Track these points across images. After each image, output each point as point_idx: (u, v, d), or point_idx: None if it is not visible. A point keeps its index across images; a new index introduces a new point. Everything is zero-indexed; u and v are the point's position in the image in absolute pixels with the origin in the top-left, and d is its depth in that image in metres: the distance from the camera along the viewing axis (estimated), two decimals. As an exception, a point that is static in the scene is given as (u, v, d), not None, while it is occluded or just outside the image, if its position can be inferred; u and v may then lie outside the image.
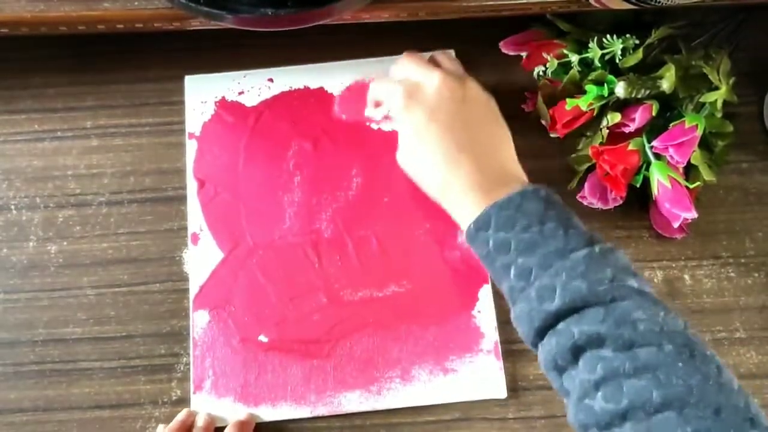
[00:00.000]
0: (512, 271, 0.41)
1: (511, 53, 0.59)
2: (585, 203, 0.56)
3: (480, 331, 0.53)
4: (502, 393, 0.52)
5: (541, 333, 0.40)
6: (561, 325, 0.38)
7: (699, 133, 0.52)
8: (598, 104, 0.53)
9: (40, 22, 0.52)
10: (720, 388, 0.34)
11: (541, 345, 0.40)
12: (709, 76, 0.53)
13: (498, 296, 0.54)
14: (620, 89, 0.51)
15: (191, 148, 0.57)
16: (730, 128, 0.54)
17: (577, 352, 0.37)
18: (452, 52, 0.59)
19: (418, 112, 0.47)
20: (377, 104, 0.55)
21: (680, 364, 0.35)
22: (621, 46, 0.53)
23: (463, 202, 0.45)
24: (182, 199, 0.56)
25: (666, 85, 0.52)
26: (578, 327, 0.37)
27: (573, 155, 0.56)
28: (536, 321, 0.39)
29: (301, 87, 0.59)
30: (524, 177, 0.47)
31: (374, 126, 0.58)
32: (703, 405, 0.33)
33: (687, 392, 0.33)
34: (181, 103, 0.58)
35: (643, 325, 0.36)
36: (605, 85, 0.53)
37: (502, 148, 0.48)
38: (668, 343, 0.36)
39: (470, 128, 0.47)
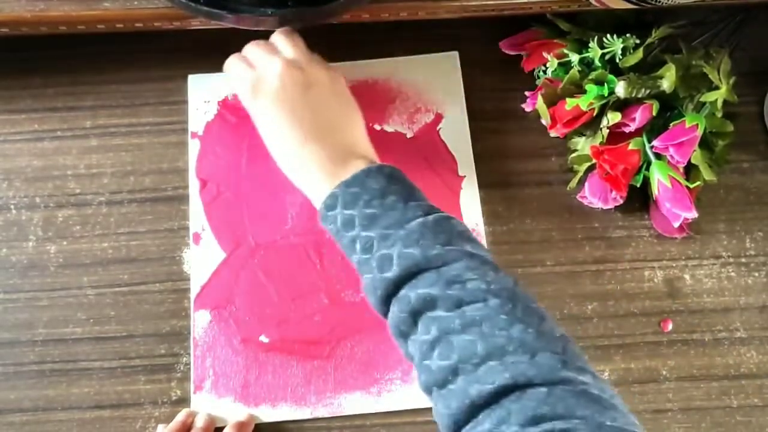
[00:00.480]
0: (357, 245, 0.42)
1: (511, 53, 0.59)
2: (585, 203, 0.56)
3: (480, 331, 0.53)
4: (502, 393, 0.52)
5: (385, 302, 0.41)
6: (401, 293, 0.40)
7: (699, 132, 0.52)
8: (599, 104, 0.53)
9: (40, 21, 0.52)
10: (539, 335, 0.36)
11: (388, 314, 0.41)
12: (710, 76, 0.53)
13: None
14: (620, 89, 0.51)
15: (194, 147, 0.57)
16: (731, 128, 0.54)
17: (415, 316, 0.39)
18: (456, 53, 0.59)
19: (263, 103, 0.48)
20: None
21: (503, 316, 0.37)
22: (621, 45, 0.53)
23: (315, 186, 0.46)
24: (182, 199, 0.56)
25: (666, 84, 0.52)
26: (414, 291, 0.39)
27: (573, 155, 0.56)
28: (379, 290, 0.41)
29: (302, 87, 0.59)
30: (372, 154, 0.48)
31: (377, 127, 0.58)
32: (521, 351, 0.35)
33: (507, 341, 0.36)
34: (181, 102, 0.58)
35: (471, 284, 0.38)
36: (605, 84, 0.53)
37: (351, 126, 0.49)
38: (494, 297, 0.38)
39: (316, 113, 0.48)
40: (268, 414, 0.52)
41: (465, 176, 0.57)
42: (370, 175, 0.44)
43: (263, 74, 0.48)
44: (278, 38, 0.51)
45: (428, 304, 0.39)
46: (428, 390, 0.38)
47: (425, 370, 0.38)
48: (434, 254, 0.40)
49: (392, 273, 0.40)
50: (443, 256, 0.40)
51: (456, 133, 0.57)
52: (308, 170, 0.46)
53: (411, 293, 0.39)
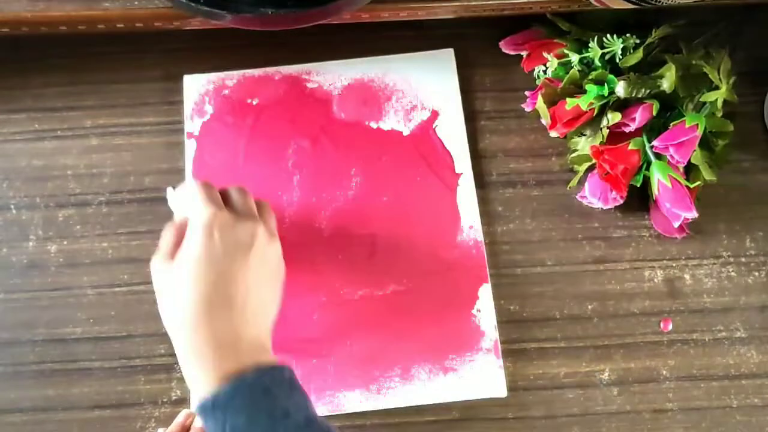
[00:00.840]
0: None
1: (511, 53, 0.59)
2: (585, 203, 0.56)
3: (480, 329, 0.53)
4: (502, 392, 0.52)
5: None
6: None
7: (699, 132, 0.52)
8: (599, 104, 0.53)
9: (40, 21, 0.52)
10: None
11: None
12: (710, 76, 0.53)
13: (498, 295, 0.54)
14: (620, 89, 0.51)
15: (190, 147, 0.57)
16: (731, 128, 0.54)
17: None
18: (451, 51, 0.59)
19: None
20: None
21: None
22: (621, 45, 0.53)
23: (205, 368, 0.40)
24: (182, 199, 0.56)
25: (666, 84, 0.52)
26: None
27: (573, 155, 0.56)
28: None
29: (301, 86, 0.59)
30: (269, 347, 0.44)
31: (373, 125, 0.58)
32: None
33: None
34: (181, 102, 0.58)
35: None
36: (605, 84, 0.53)
37: (269, 313, 0.46)
38: None
39: (253, 293, 0.44)
40: (267, 414, 0.51)
41: (462, 173, 0.57)
42: (274, 382, 0.40)
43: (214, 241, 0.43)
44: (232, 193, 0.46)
45: None
46: None
47: None
48: None
49: None
50: None
51: (452, 130, 0.57)
52: (199, 352, 0.41)
53: None
